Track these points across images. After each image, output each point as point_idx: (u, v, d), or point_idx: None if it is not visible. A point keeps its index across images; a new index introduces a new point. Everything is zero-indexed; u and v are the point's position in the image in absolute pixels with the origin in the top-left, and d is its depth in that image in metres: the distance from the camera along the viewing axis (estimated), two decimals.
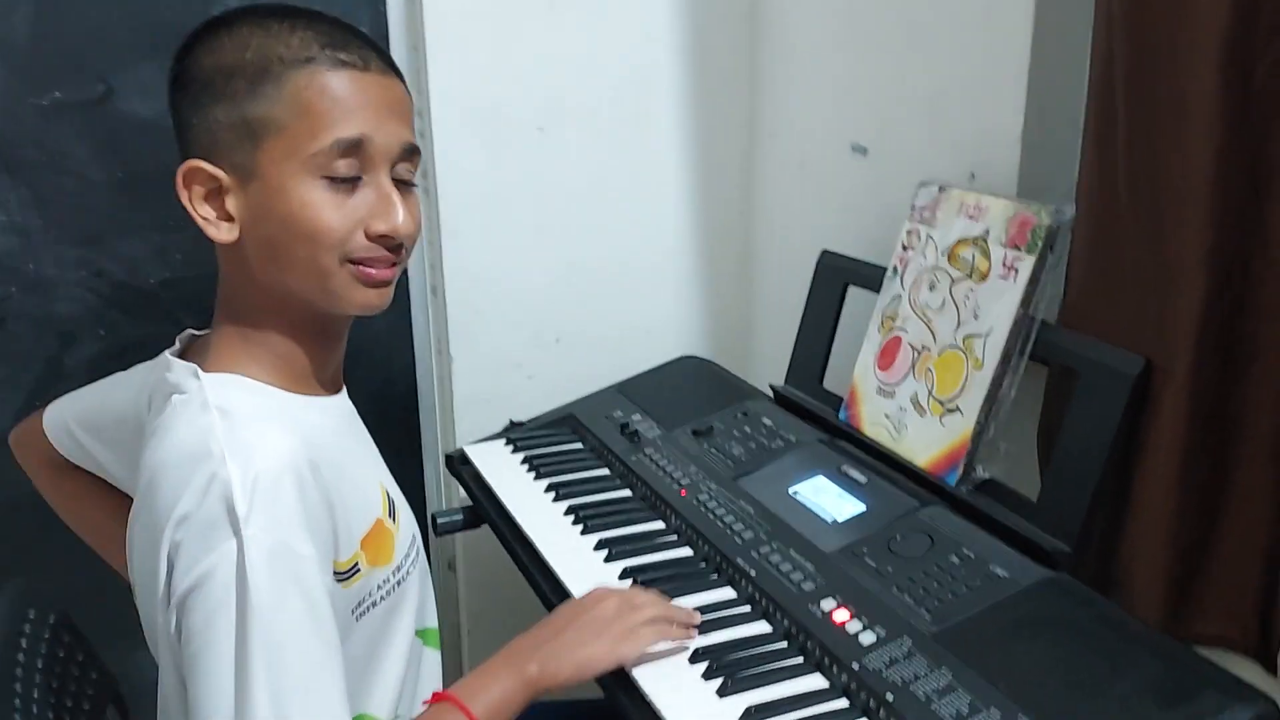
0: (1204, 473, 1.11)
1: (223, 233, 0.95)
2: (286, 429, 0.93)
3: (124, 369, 1.17)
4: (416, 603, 1.10)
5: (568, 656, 1.05)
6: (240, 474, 0.87)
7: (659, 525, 1.36)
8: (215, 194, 0.95)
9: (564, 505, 1.41)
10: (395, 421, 1.83)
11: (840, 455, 1.38)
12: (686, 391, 1.66)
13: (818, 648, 1.08)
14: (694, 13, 1.76)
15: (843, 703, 1.03)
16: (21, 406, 1.61)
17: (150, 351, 1.08)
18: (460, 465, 1.58)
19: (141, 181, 1.61)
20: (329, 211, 0.94)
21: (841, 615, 1.11)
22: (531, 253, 1.76)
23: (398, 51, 1.67)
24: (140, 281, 1.65)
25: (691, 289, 1.88)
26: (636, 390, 1.67)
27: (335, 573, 0.96)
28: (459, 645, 1.91)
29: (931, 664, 1.02)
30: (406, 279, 1.77)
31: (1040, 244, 1.22)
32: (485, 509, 1.47)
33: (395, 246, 0.98)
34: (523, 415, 1.70)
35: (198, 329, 1.07)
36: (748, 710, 1.01)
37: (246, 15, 0.95)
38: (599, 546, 1.30)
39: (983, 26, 1.33)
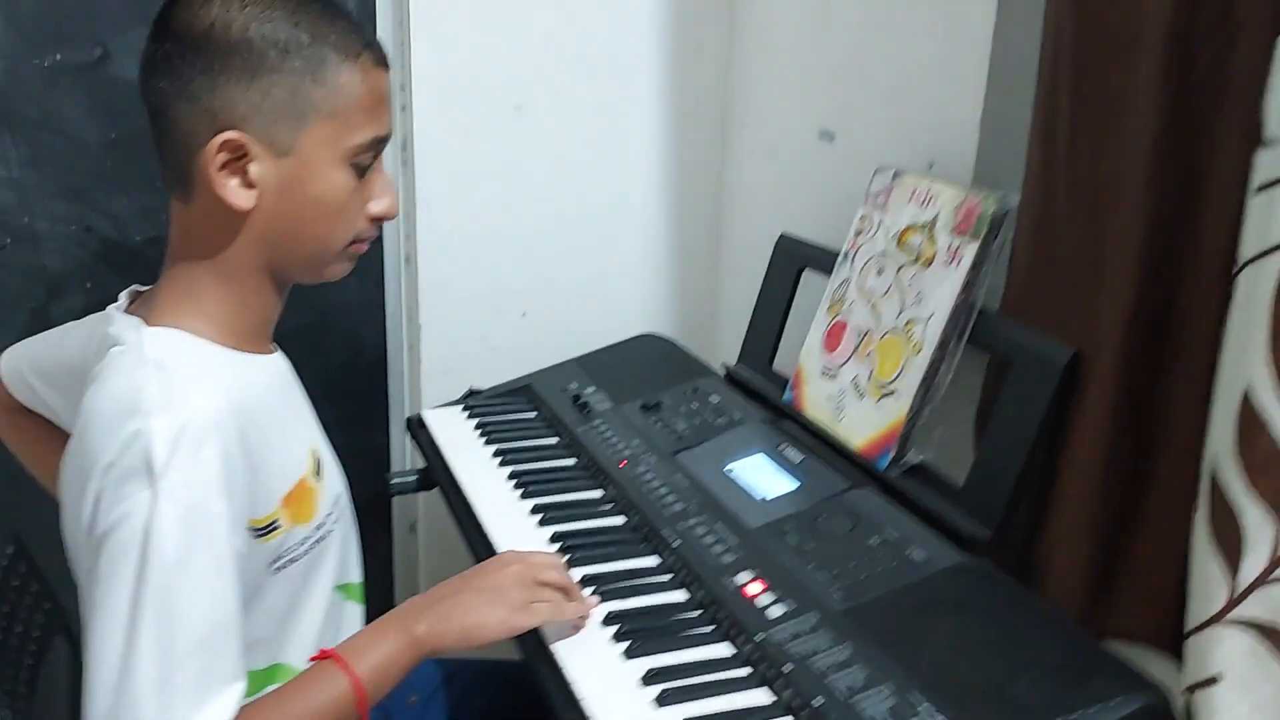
0: (1127, 467, 1.11)
1: (241, 199, 0.97)
2: (218, 387, 0.95)
3: None
4: (338, 559, 1.11)
5: (458, 619, 1.04)
6: (164, 429, 0.88)
7: (598, 494, 1.37)
8: (236, 161, 0.96)
9: (508, 470, 1.42)
10: (365, 385, 1.86)
11: (781, 435, 1.39)
12: (643, 368, 1.68)
13: (728, 618, 1.09)
14: None
15: (744, 671, 1.03)
16: None
17: None
18: (418, 429, 1.60)
19: (131, 142, 1.64)
20: (350, 195, 1.01)
21: (754, 589, 1.12)
22: (503, 227, 1.78)
23: (384, 27, 1.71)
24: (126, 238, 1.69)
25: (661, 270, 1.90)
26: (595, 364, 1.69)
27: (253, 528, 0.98)
28: None
29: (835, 639, 1.03)
30: (382, 248, 1.80)
31: (984, 231, 1.22)
32: (436, 472, 1.49)
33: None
34: (487, 385, 1.72)
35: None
36: (649, 671, 1.02)
37: None
38: (535, 511, 1.32)
39: (945, 16, 1.34)
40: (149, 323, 0.99)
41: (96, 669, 0.86)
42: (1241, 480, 0.86)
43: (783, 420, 1.44)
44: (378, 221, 1.05)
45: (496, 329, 1.81)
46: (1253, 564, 0.86)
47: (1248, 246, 0.85)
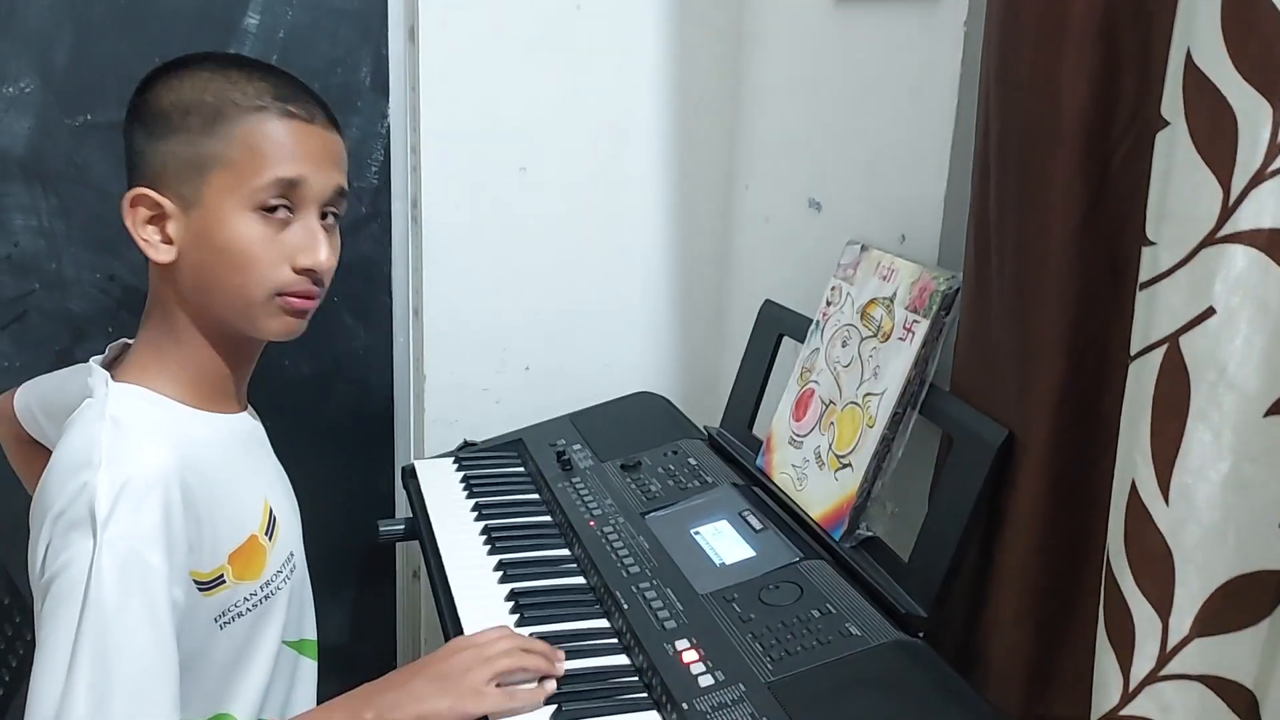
0: (1062, 552, 1.11)
1: (161, 254, 1.02)
2: (167, 443, 0.99)
3: None
4: (286, 616, 1.14)
5: (410, 707, 1.05)
6: (108, 483, 0.93)
7: (564, 552, 1.40)
8: (158, 219, 1.02)
9: (482, 524, 1.46)
10: (373, 433, 1.92)
11: (747, 501, 1.41)
12: (632, 426, 1.71)
13: (660, 685, 1.11)
14: (679, 63, 1.81)
15: None
16: None
17: None
18: (409, 479, 1.65)
19: None
20: (260, 245, 1.02)
21: (690, 656, 1.14)
22: (508, 285, 1.83)
23: (396, 90, 1.77)
24: (146, 287, 1.77)
25: (662, 330, 1.94)
26: (586, 421, 1.72)
27: (197, 581, 1.02)
28: (419, 652, 1.98)
29: (755, 712, 1.05)
30: (391, 300, 1.86)
31: (935, 309, 1.23)
32: (419, 520, 1.54)
33: (319, 280, 1.06)
34: (489, 437, 1.77)
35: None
36: None
37: (209, 60, 1.04)
38: (498, 567, 1.36)
39: (912, 96, 1.36)
40: (116, 378, 1.04)
41: (36, 705, 0.91)
42: (1130, 575, 0.86)
43: (754, 486, 1.46)
44: (308, 274, 1.05)
45: (499, 382, 1.86)
46: (1143, 661, 0.86)
47: (1135, 340, 0.86)
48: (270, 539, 1.12)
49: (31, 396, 1.31)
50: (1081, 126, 1.01)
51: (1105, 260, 1.03)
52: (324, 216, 1.07)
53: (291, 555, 1.16)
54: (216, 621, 1.05)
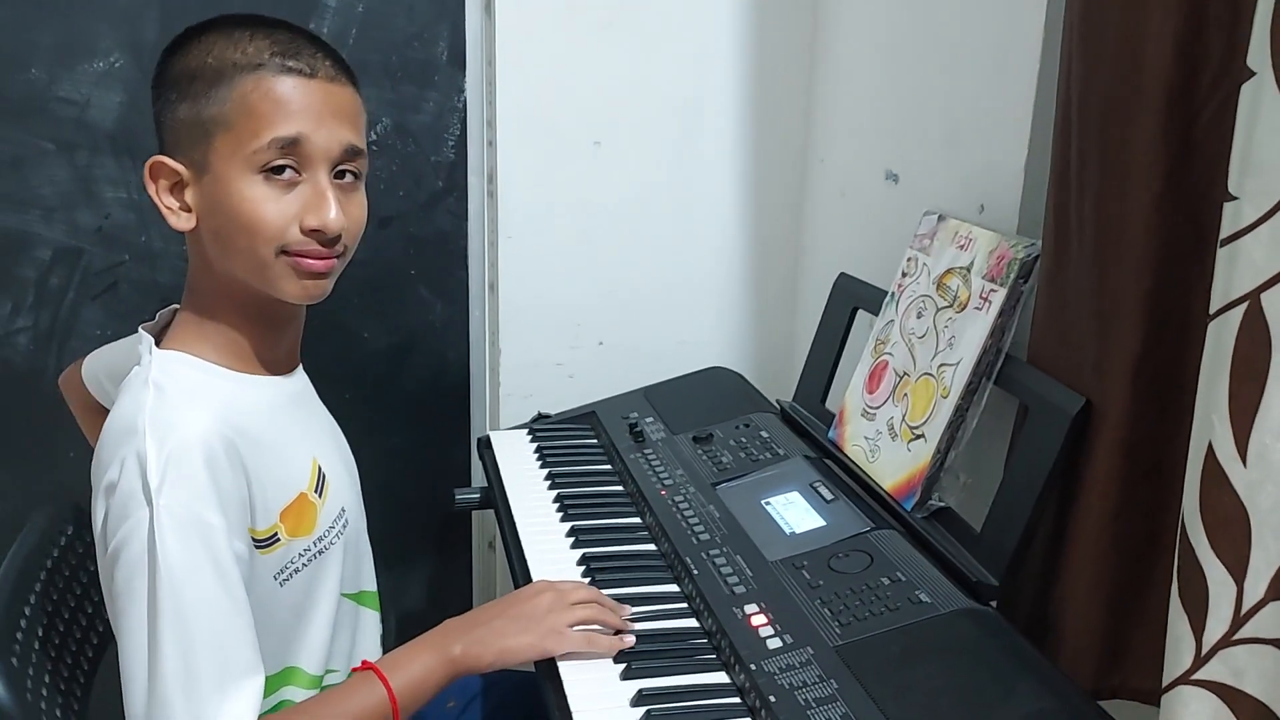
0: (1138, 521, 1.09)
1: (182, 221, 1.05)
2: (209, 406, 1.02)
3: None
4: (343, 569, 1.17)
5: (493, 643, 1.10)
6: (156, 450, 0.96)
7: (635, 520, 1.42)
8: (178, 186, 1.04)
9: (555, 493, 1.48)
10: (449, 406, 1.95)
11: (818, 473, 1.40)
12: (704, 400, 1.71)
13: (729, 647, 1.12)
14: (754, 36, 1.81)
15: (734, 700, 1.06)
16: None
17: None
18: (484, 449, 1.67)
19: None
20: (265, 205, 1.01)
21: (759, 619, 1.15)
22: (582, 259, 1.84)
23: (473, 65, 1.79)
24: None
25: (737, 306, 1.93)
26: (659, 395, 1.73)
27: (254, 540, 1.04)
28: None
29: (823, 674, 1.05)
30: (467, 275, 1.89)
31: (1012, 277, 1.22)
32: (494, 489, 1.56)
33: (331, 241, 1.04)
34: (560, 410, 1.79)
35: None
36: (640, 692, 1.06)
37: (218, 24, 1.05)
38: (570, 533, 1.37)
39: (994, 61, 1.34)
40: (162, 345, 1.07)
41: (130, 674, 0.95)
42: (1205, 538, 0.84)
43: (825, 458, 1.46)
44: (315, 234, 1.03)
45: (573, 356, 1.88)
46: (1216, 624, 0.84)
47: (1215, 299, 0.84)
48: (320, 496, 1.14)
49: (98, 364, 1.34)
50: (1165, 87, 0.99)
51: (1188, 224, 1.01)
52: (341, 175, 1.05)
53: (344, 510, 1.18)
54: (276, 579, 1.08)
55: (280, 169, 1.01)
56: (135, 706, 0.95)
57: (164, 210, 1.05)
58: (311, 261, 1.04)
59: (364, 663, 1.11)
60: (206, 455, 0.98)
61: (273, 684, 1.10)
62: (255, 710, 0.97)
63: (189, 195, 1.04)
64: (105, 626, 1.28)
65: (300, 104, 1.01)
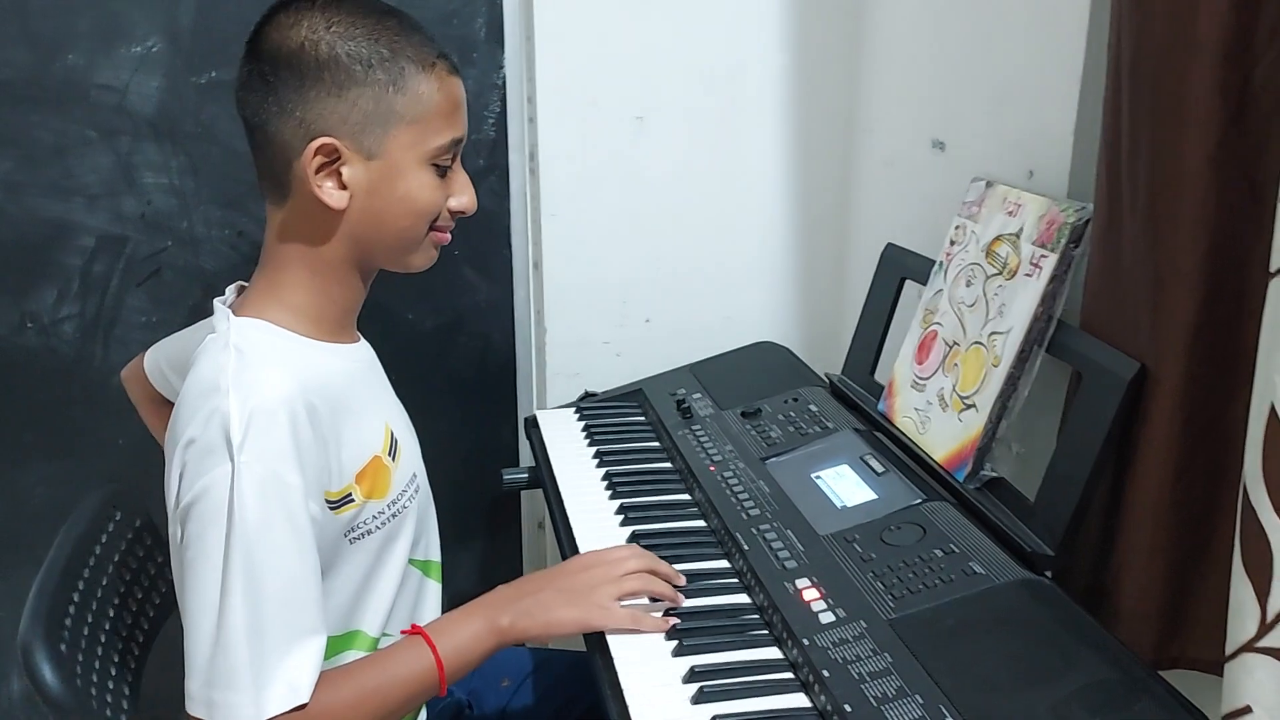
0: (1196, 487, 1.07)
1: (336, 200, 1.07)
2: (290, 370, 1.04)
3: None
4: (413, 535, 1.19)
5: (540, 615, 1.12)
6: (239, 408, 0.98)
7: (685, 497, 1.41)
8: (330, 166, 1.06)
9: (603, 471, 1.48)
10: (495, 385, 1.94)
11: (869, 446, 1.39)
12: (752, 375, 1.70)
13: (781, 622, 1.11)
14: (798, 5, 1.78)
15: (787, 675, 1.06)
16: None
17: None
18: (531, 429, 1.67)
19: None
20: (433, 193, 1.11)
21: (811, 594, 1.14)
22: (626, 236, 1.83)
23: (512, 41, 1.78)
24: None
25: (784, 280, 1.91)
26: (706, 371, 1.73)
27: (328, 501, 1.07)
28: None
29: (876, 648, 1.04)
30: (511, 253, 1.88)
31: (1063, 242, 1.19)
32: (541, 469, 1.56)
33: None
34: (608, 388, 1.78)
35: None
36: (692, 669, 1.05)
37: (356, 6, 1.07)
38: (619, 510, 1.37)
39: (1042, 25, 1.31)
40: (237, 314, 1.09)
41: (195, 623, 0.97)
42: (1267, 500, 0.82)
43: (876, 431, 1.44)
44: (458, 214, 1.15)
45: (620, 334, 1.87)
46: None
47: (1276, 257, 0.82)
48: (394, 460, 1.17)
49: (160, 355, 1.36)
50: (1220, 39, 0.96)
51: (1245, 182, 0.98)
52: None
53: (415, 476, 1.21)
54: (347, 537, 1.11)
55: (447, 164, 1.11)
56: (198, 658, 0.97)
57: (316, 187, 1.06)
58: (446, 235, 1.16)
59: (413, 626, 1.12)
60: (289, 415, 1.00)
61: (336, 645, 1.12)
62: (316, 668, 1.00)
63: (347, 175, 1.07)
64: (155, 613, 1.30)
65: (462, 105, 1.12)
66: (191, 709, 0.97)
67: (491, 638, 1.10)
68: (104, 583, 1.22)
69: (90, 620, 1.17)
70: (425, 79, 1.07)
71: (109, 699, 1.14)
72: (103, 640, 1.18)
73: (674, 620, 1.13)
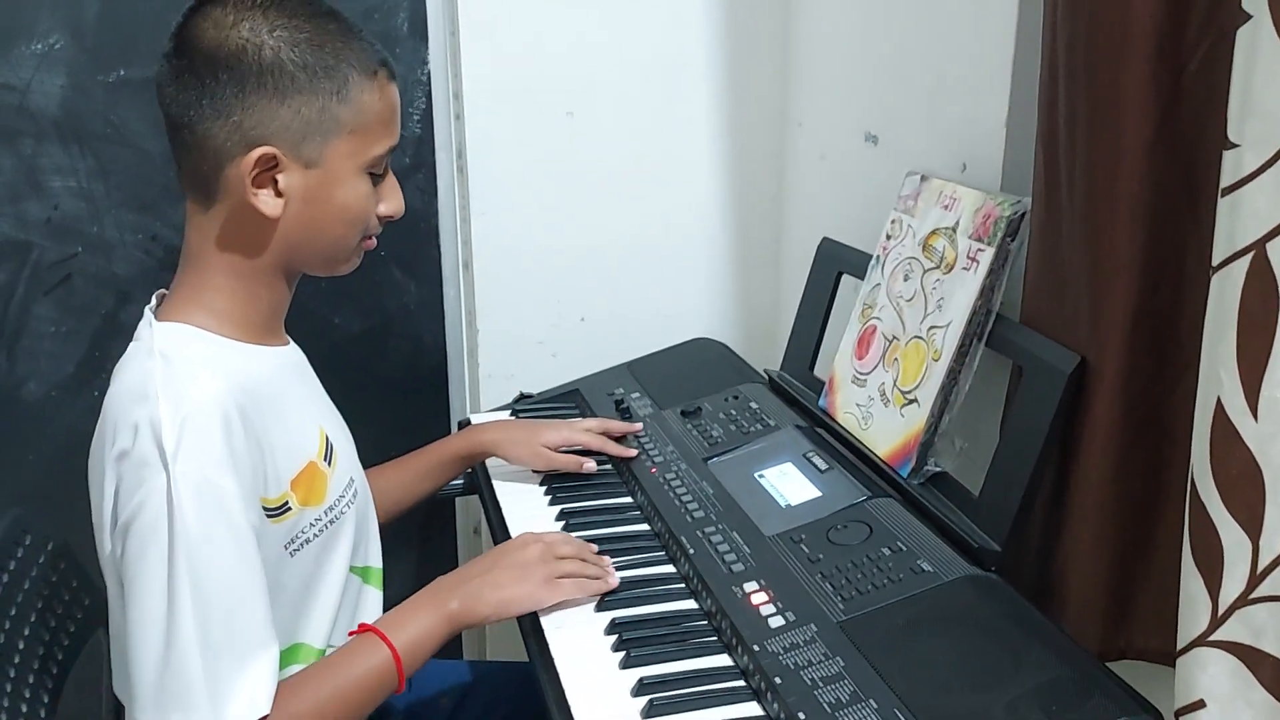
0: (1138, 480, 1.07)
1: (270, 207, 1.03)
2: (219, 373, 1.00)
3: None
4: (352, 541, 1.16)
5: (489, 595, 1.12)
6: (170, 415, 0.94)
7: (626, 500, 1.39)
8: (267, 172, 1.02)
9: (541, 475, 1.45)
10: (427, 388, 1.90)
11: (811, 442, 1.38)
12: (690, 373, 1.68)
13: (729, 628, 1.09)
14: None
15: (739, 683, 1.04)
16: (82, 357, 1.74)
17: None
18: None
19: None
20: (369, 200, 1.09)
21: (760, 598, 1.12)
22: (559, 234, 1.80)
23: (436, 36, 1.74)
24: None
25: (720, 276, 1.90)
26: (644, 369, 1.71)
27: (265, 509, 1.03)
28: None
29: (828, 652, 1.03)
30: (440, 253, 1.84)
31: (1000, 236, 1.19)
32: (477, 474, 1.53)
33: None
34: (545, 389, 1.75)
35: None
36: (641, 681, 1.03)
37: (301, 7, 1.03)
38: (560, 516, 1.34)
39: (972, 17, 1.31)
40: (159, 319, 1.05)
41: (140, 642, 0.93)
42: (1217, 496, 0.82)
43: (817, 427, 1.43)
44: (387, 220, 1.13)
45: (555, 333, 1.84)
46: (1232, 584, 0.82)
47: (1217, 251, 0.82)
48: (330, 464, 1.14)
49: None
50: (1153, 33, 0.96)
51: (1181, 174, 0.99)
52: None
53: (352, 481, 1.18)
54: (287, 549, 1.08)
55: (382, 171, 1.10)
56: (145, 681, 0.93)
57: (252, 195, 1.02)
58: (373, 241, 1.14)
59: (362, 625, 1.11)
60: (223, 418, 0.97)
61: (280, 660, 1.07)
62: (274, 679, 0.98)
63: (284, 182, 1.03)
64: (71, 640, 1.23)
65: (398, 111, 1.10)
66: None
67: (443, 625, 1.10)
68: (12, 612, 1.16)
69: None
70: (368, 87, 1.05)
71: None
72: (12, 675, 1.12)
73: (613, 582, 1.18)
